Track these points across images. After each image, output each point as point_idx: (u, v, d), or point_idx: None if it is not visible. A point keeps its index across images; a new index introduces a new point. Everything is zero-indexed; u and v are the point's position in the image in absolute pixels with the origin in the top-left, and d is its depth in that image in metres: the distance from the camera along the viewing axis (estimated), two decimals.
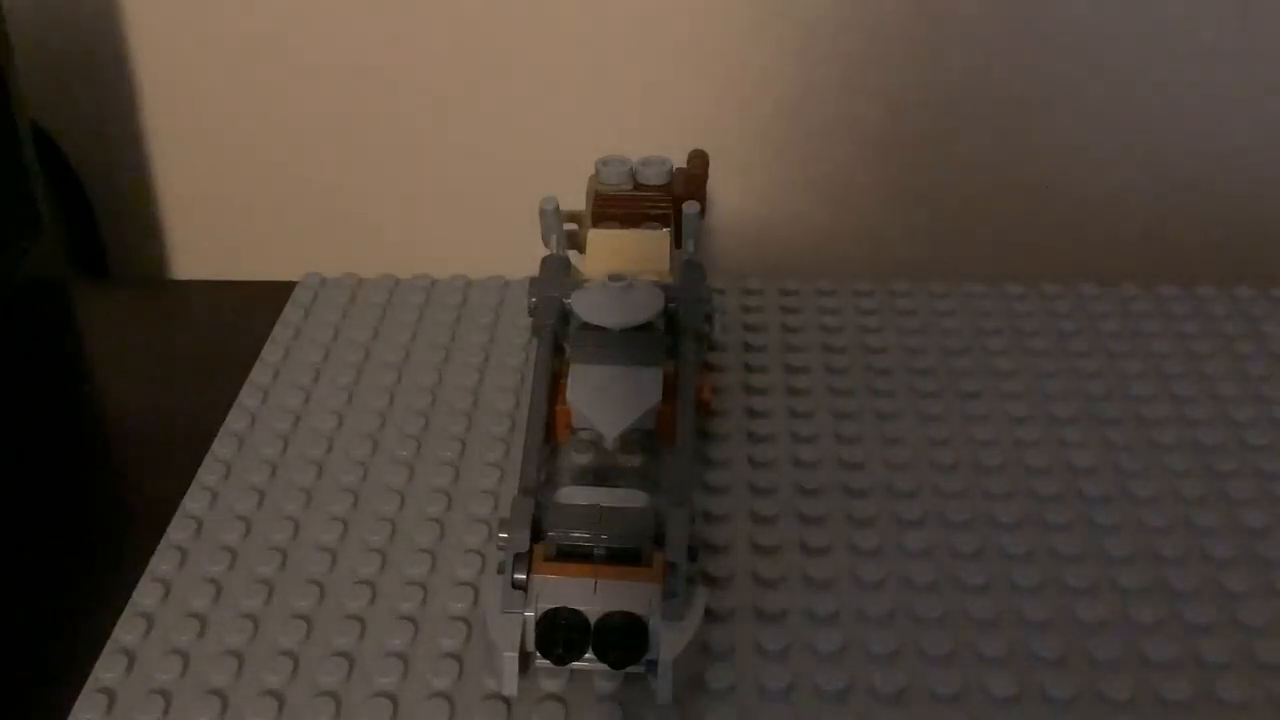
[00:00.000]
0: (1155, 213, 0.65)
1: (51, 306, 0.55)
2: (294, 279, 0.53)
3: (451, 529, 0.39)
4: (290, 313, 0.51)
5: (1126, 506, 0.40)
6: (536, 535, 0.33)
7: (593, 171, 0.44)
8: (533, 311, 0.41)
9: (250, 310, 0.51)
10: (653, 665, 0.32)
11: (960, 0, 0.60)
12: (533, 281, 0.41)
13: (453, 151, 0.66)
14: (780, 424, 0.44)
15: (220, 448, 0.43)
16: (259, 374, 0.47)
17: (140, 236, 0.70)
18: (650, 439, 0.39)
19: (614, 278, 0.40)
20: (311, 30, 0.63)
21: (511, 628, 0.32)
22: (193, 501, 0.41)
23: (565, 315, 0.40)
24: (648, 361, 0.39)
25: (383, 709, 0.33)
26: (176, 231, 0.70)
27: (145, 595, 0.37)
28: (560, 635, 0.31)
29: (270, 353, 0.48)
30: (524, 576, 0.32)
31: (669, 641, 0.32)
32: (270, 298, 0.51)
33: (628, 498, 0.34)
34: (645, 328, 0.39)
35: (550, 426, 0.39)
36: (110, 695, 0.34)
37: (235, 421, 0.44)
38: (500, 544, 0.33)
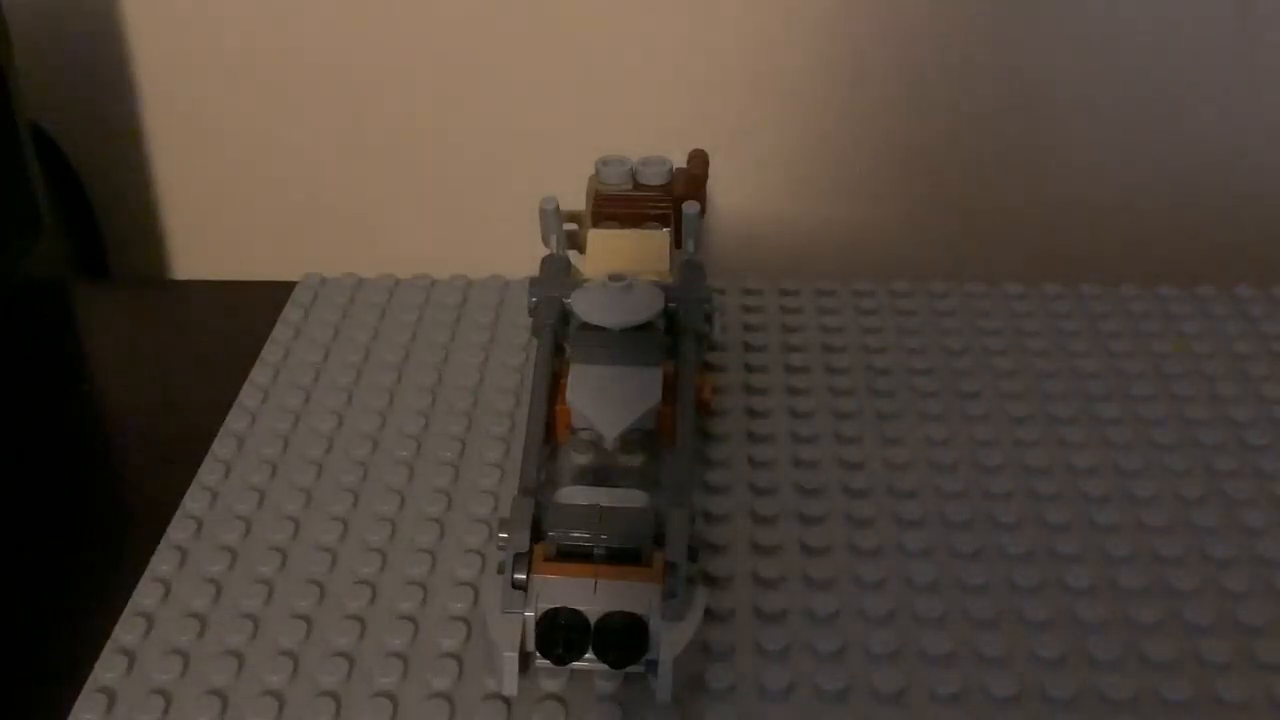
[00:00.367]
0: (1156, 213, 0.65)
1: (51, 306, 0.55)
2: (294, 279, 0.53)
3: (451, 529, 0.39)
4: (290, 313, 0.51)
5: (1126, 506, 0.40)
6: (536, 535, 0.33)
7: (593, 171, 0.44)
8: (533, 311, 0.41)
9: (250, 310, 0.51)
10: (653, 665, 0.32)
11: (964, 3, 0.60)
12: (533, 281, 0.41)
13: (453, 151, 0.66)
14: (780, 424, 0.44)
15: (220, 448, 0.43)
16: (259, 374, 0.47)
17: (140, 236, 0.70)
18: (650, 439, 0.39)
19: (614, 278, 0.40)
20: (311, 30, 0.63)
21: (511, 628, 0.32)
22: (193, 501, 0.41)
23: (565, 315, 0.40)
24: (648, 361, 0.39)
25: (383, 709, 0.33)
26: (176, 231, 0.70)
27: (145, 595, 0.37)
28: (560, 635, 0.31)
29: (270, 353, 0.48)
30: (524, 576, 0.32)
31: (669, 641, 0.32)
32: (270, 298, 0.51)
33: (628, 498, 0.34)
34: (645, 328, 0.39)
35: (550, 426, 0.38)
36: (110, 695, 0.34)
37: (235, 421, 0.44)
38: (500, 544, 0.33)
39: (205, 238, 0.70)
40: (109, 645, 0.35)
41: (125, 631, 0.36)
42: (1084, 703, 0.33)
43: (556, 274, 0.41)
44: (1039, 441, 0.43)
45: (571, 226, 0.44)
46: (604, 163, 0.44)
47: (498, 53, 0.63)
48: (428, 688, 0.34)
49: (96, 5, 0.64)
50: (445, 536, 0.39)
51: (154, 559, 0.38)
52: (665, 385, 0.38)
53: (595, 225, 0.43)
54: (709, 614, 0.35)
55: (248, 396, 0.46)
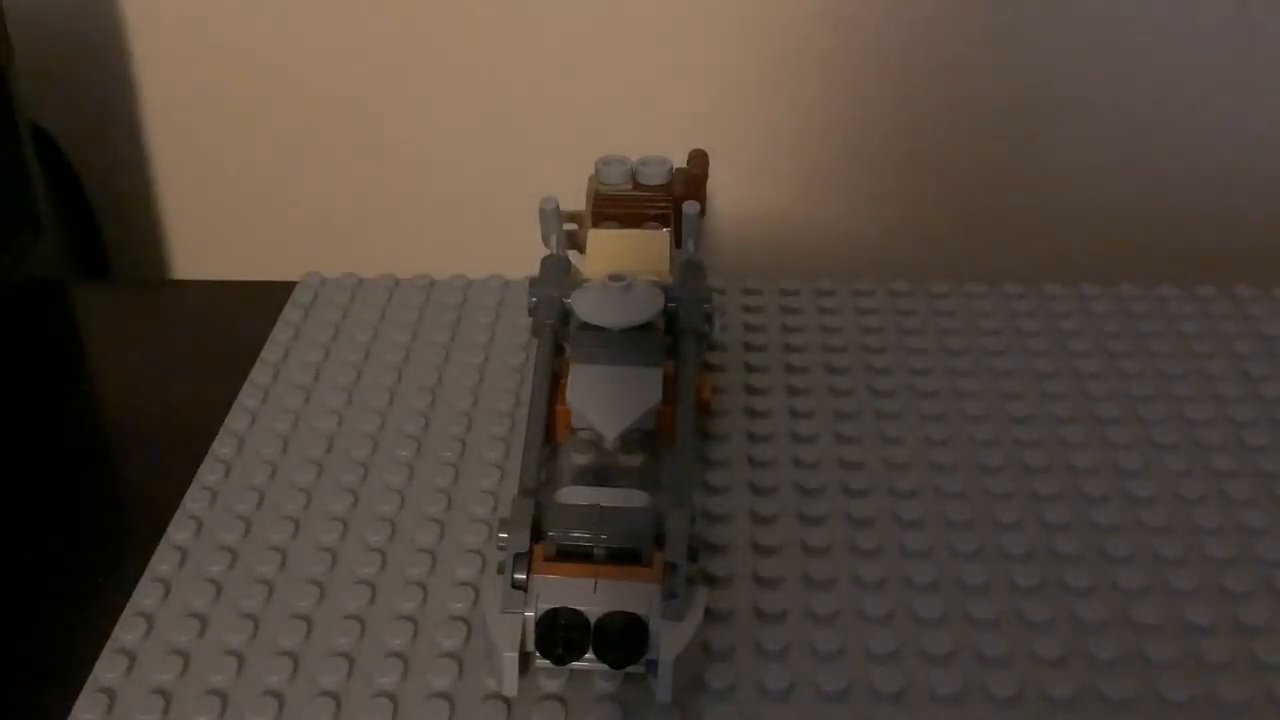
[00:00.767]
0: (1156, 213, 0.65)
1: (51, 306, 0.55)
2: (294, 279, 0.53)
3: (451, 529, 0.39)
4: (290, 313, 0.50)
5: (1126, 506, 0.40)
6: (536, 535, 0.33)
7: (593, 171, 0.44)
8: (533, 311, 0.41)
9: (250, 310, 0.51)
10: (653, 665, 0.32)
11: (963, 3, 0.60)
12: (533, 281, 0.41)
13: (453, 151, 0.66)
14: (780, 424, 0.44)
15: (220, 448, 0.43)
16: (259, 374, 0.47)
17: (140, 236, 0.70)
18: (650, 439, 0.39)
19: (614, 278, 0.40)
20: (312, 30, 0.63)
21: (511, 628, 0.32)
22: (193, 501, 0.41)
23: (565, 315, 0.40)
24: (648, 361, 0.39)
25: (383, 709, 0.33)
26: (176, 231, 0.70)
27: (145, 595, 0.37)
28: (560, 635, 0.31)
29: (270, 353, 0.48)
30: (524, 576, 0.32)
31: (669, 641, 0.32)
32: (270, 298, 0.51)
33: (628, 498, 0.34)
34: (645, 328, 0.39)
35: (550, 426, 0.38)
36: (110, 695, 0.34)
37: (235, 421, 0.44)
38: (500, 544, 0.33)
39: (205, 238, 0.70)
40: (109, 645, 0.35)
41: (125, 631, 0.36)
42: (1084, 703, 0.33)
43: (556, 274, 0.41)
44: (1039, 441, 0.43)
45: (571, 226, 0.44)
46: (604, 163, 0.44)
47: (498, 52, 0.63)
48: (428, 688, 0.34)
49: (96, 5, 0.64)
50: (445, 536, 0.39)
51: (154, 559, 0.38)
52: (665, 385, 0.38)
53: (595, 225, 0.43)
54: (709, 614, 0.35)
55: (248, 396, 0.46)
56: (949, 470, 0.41)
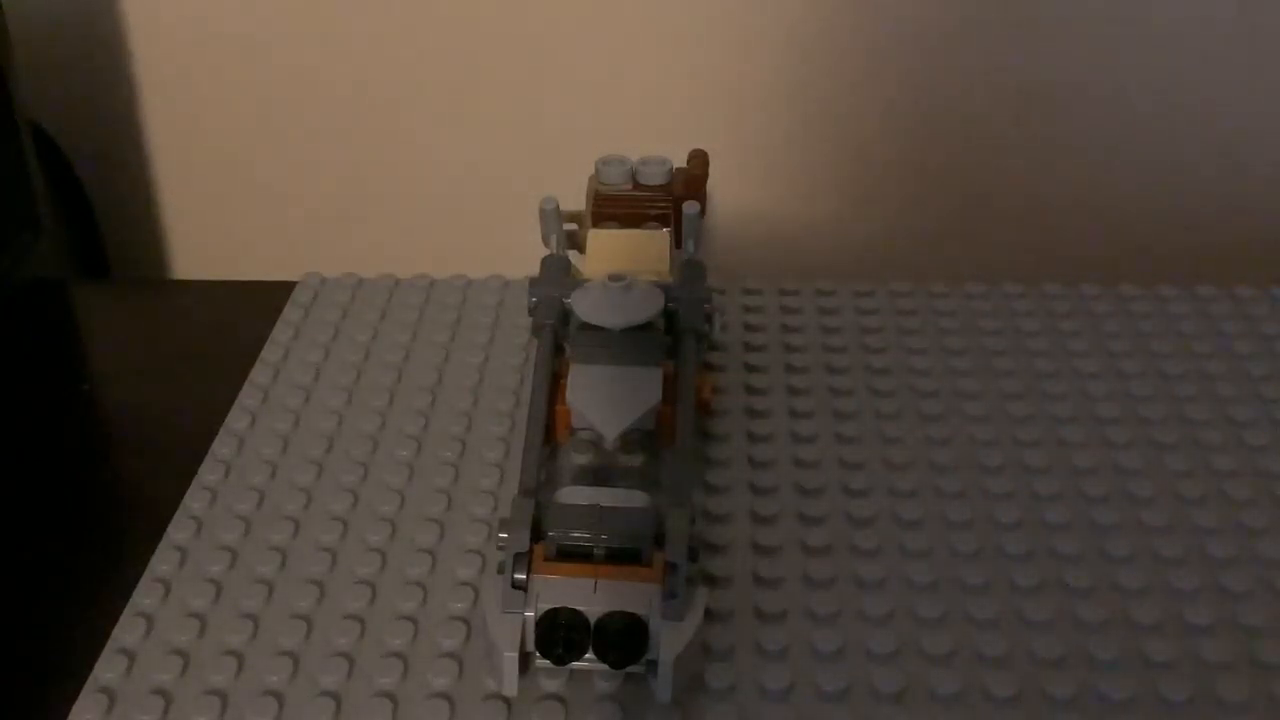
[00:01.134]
0: (1156, 213, 0.65)
1: (51, 306, 0.55)
2: (294, 279, 0.53)
3: (451, 529, 0.39)
4: (290, 313, 0.50)
5: (1126, 506, 0.40)
6: (536, 535, 0.33)
7: (593, 171, 0.44)
8: (533, 311, 0.41)
9: (250, 310, 0.51)
10: (653, 665, 0.32)
11: (962, 3, 0.60)
12: (533, 281, 0.41)
13: (452, 151, 0.66)
14: (780, 424, 0.44)
15: (220, 448, 0.43)
16: (259, 374, 0.47)
17: (140, 236, 0.70)
18: (650, 439, 0.39)
19: (614, 278, 0.40)
20: (312, 30, 0.63)
21: (511, 628, 0.32)
22: (193, 501, 0.41)
23: (565, 315, 0.40)
24: (648, 361, 0.39)
25: (383, 709, 0.33)
26: (176, 231, 0.70)
27: (145, 595, 0.37)
28: (560, 635, 0.31)
29: (270, 353, 0.48)
30: (524, 576, 0.32)
31: (669, 641, 0.32)
32: (270, 298, 0.51)
33: (628, 498, 0.34)
34: (645, 328, 0.39)
35: (550, 426, 0.38)
36: (110, 695, 0.34)
37: (235, 421, 0.44)
38: (500, 544, 0.33)
39: (205, 238, 0.70)
40: (109, 645, 0.35)
41: (125, 631, 0.36)
42: (1084, 703, 0.33)
43: (556, 274, 0.41)
44: (1039, 441, 0.43)
45: (571, 226, 0.44)
46: (604, 163, 0.44)
47: (498, 52, 0.63)
48: (428, 688, 0.34)
49: (96, 5, 0.64)
50: (445, 536, 0.39)
51: (154, 559, 0.38)
52: (665, 385, 0.38)
53: (595, 225, 0.43)
54: (709, 614, 0.35)
55: (248, 396, 0.46)
56: (949, 470, 0.41)
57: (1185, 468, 0.41)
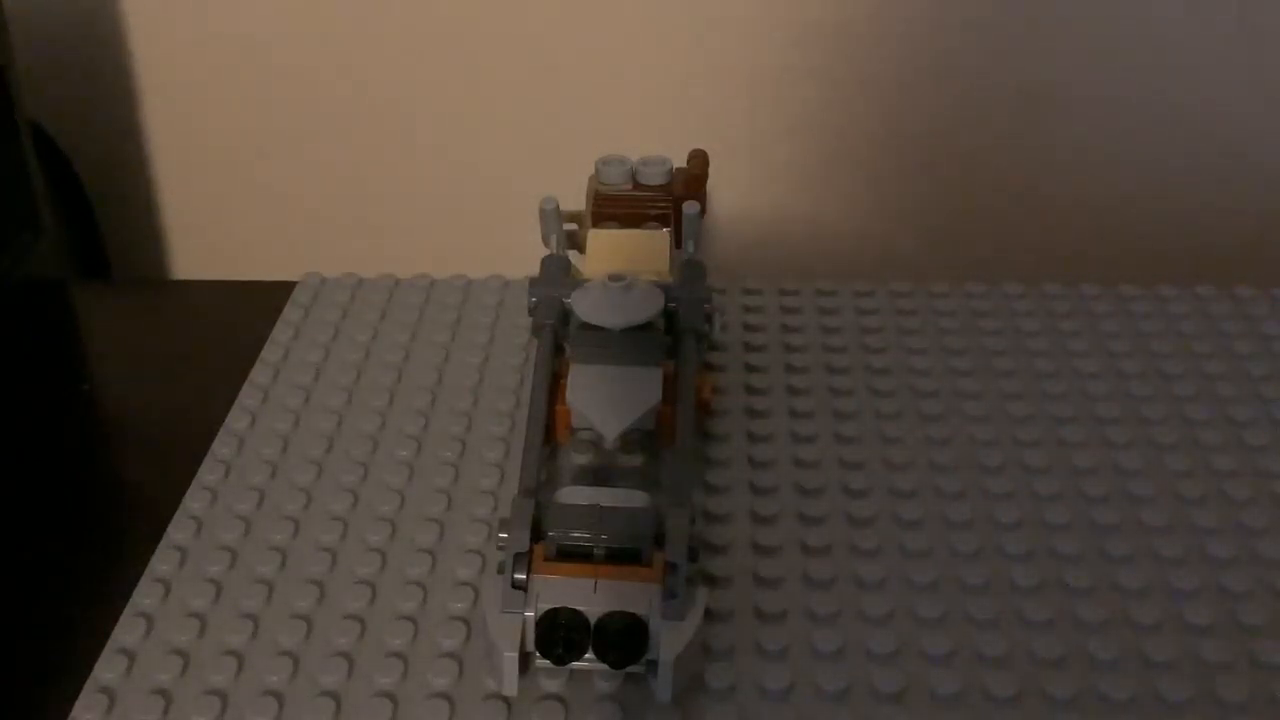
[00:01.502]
0: (1156, 213, 0.65)
1: (51, 306, 0.55)
2: (294, 279, 0.53)
3: (451, 529, 0.39)
4: (290, 313, 0.51)
5: (1126, 506, 0.40)
6: (536, 535, 0.33)
7: (593, 171, 0.44)
8: (533, 311, 0.41)
9: (250, 310, 0.51)
10: (653, 665, 0.32)
11: (963, 3, 0.60)
12: (533, 281, 0.41)
13: (453, 151, 0.66)
14: (780, 424, 0.44)
15: (220, 448, 0.43)
16: (259, 374, 0.47)
17: (140, 236, 0.70)
18: (650, 439, 0.39)
19: (614, 278, 0.40)
20: (312, 30, 0.63)
21: (511, 628, 0.32)
22: (193, 501, 0.41)
23: (565, 315, 0.40)
24: (648, 361, 0.39)
25: (383, 709, 0.33)
26: (176, 231, 0.70)
27: (145, 595, 0.37)
28: (560, 635, 0.31)
29: (270, 353, 0.48)
30: (524, 576, 0.32)
31: (669, 641, 0.32)
32: (270, 298, 0.51)
33: (628, 498, 0.34)
34: (645, 328, 0.39)
35: (550, 426, 0.38)
36: (110, 695, 0.34)
37: (235, 421, 0.44)
38: (500, 544, 0.33)
39: (205, 238, 0.70)
40: (109, 645, 0.35)
41: (125, 631, 0.36)
42: (1084, 703, 0.33)
43: (556, 274, 0.41)
44: (1039, 441, 0.43)
45: (571, 226, 0.44)
46: (604, 163, 0.44)
47: (498, 53, 0.63)
48: (428, 688, 0.34)
49: (96, 5, 0.64)
50: (445, 536, 0.39)
51: (154, 559, 0.38)
52: (665, 385, 0.38)
53: (595, 225, 0.43)
54: (709, 614, 0.35)
55: (248, 396, 0.46)
56: (949, 470, 0.41)
57: (1185, 468, 0.41)
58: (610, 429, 0.37)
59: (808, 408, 0.44)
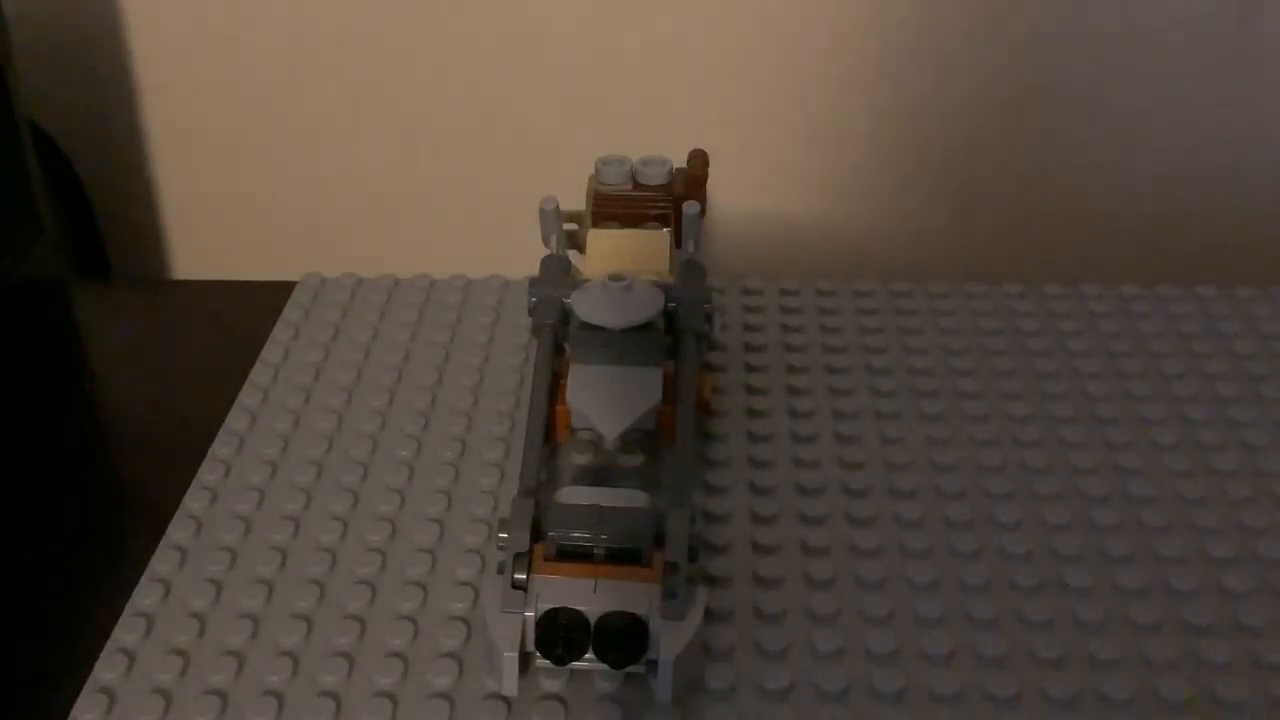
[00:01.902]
0: (1156, 213, 0.65)
1: (51, 306, 0.55)
2: (294, 279, 0.53)
3: (451, 529, 0.39)
4: (290, 313, 0.51)
5: (1126, 506, 0.40)
6: (536, 535, 0.33)
7: (593, 171, 0.44)
8: (533, 311, 0.41)
9: (250, 310, 0.51)
10: (653, 665, 0.32)
11: (964, 4, 0.60)
12: (533, 281, 0.41)
13: (453, 151, 0.66)
14: (780, 424, 0.44)
15: (220, 448, 0.43)
16: (259, 374, 0.47)
17: (140, 236, 0.70)
18: (650, 439, 0.39)
19: (614, 278, 0.40)
20: (311, 30, 0.63)
21: (511, 628, 0.32)
22: (193, 501, 0.41)
23: (565, 315, 0.40)
24: (648, 361, 0.39)
25: (383, 709, 0.33)
26: (176, 231, 0.70)
27: (145, 595, 0.37)
28: (560, 635, 0.31)
29: (270, 353, 0.48)
30: (524, 576, 0.32)
31: (669, 641, 0.32)
32: (270, 298, 0.51)
33: (628, 498, 0.34)
34: (645, 328, 0.39)
35: (550, 426, 0.38)
36: (110, 695, 0.34)
37: (235, 421, 0.44)
38: (500, 544, 0.33)
39: (205, 238, 0.70)
40: (109, 645, 0.35)
41: (125, 631, 0.36)
42: (1084, 703, 0.33)
43: (556, 274, 0.41)
44: (1039, 441, 0.43)
45: (571, 226, 0.44)
46: (604, 163, 0.44)
47: (498, 52, 0.63)
48: (428, 688, 0.34)
49: (96, 5, 0.64)
50: (445, 536, 0.39)
51: (154, 559, 0.38)
52: (665, 385, 0.38)
53: (595, 225, 0.43)
54: (709, 614, 0.35)
55: (248, 396, 0.46)
56: (949, 470, 0.41)
57: (1185, 468, 0.41)
58: (610, 429, 0.37)
59: (808, 408, 0.44)
